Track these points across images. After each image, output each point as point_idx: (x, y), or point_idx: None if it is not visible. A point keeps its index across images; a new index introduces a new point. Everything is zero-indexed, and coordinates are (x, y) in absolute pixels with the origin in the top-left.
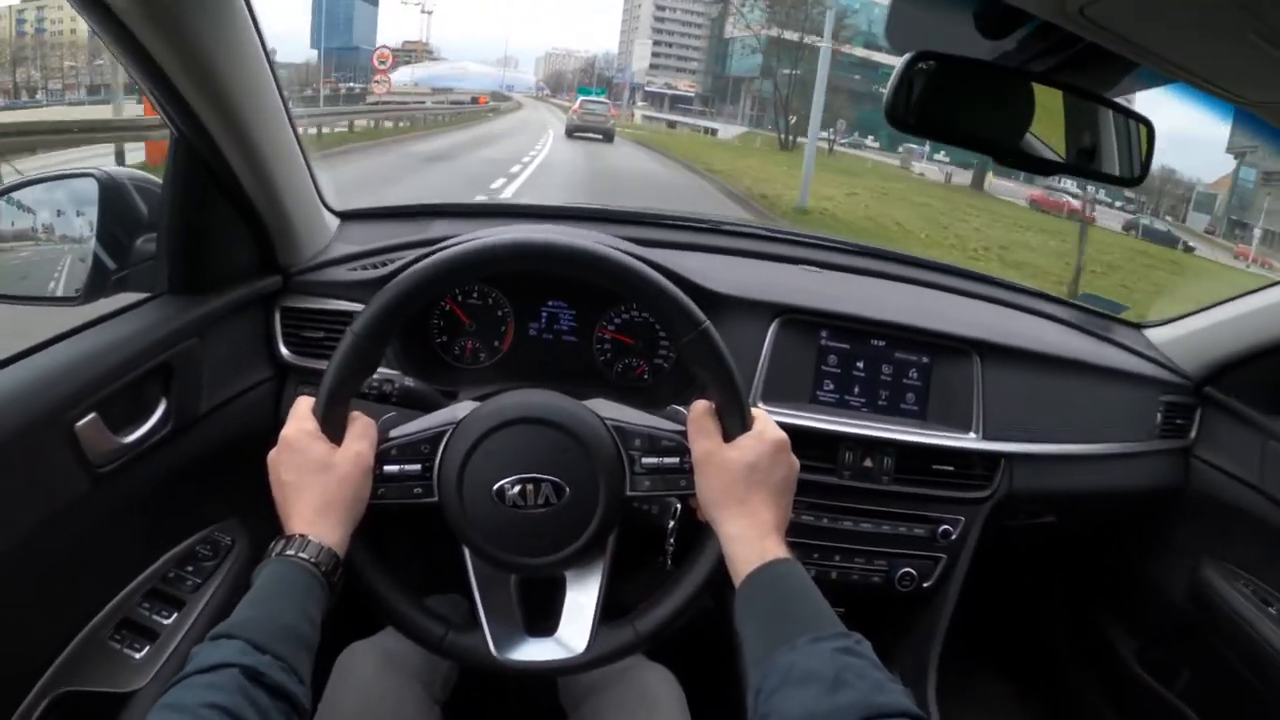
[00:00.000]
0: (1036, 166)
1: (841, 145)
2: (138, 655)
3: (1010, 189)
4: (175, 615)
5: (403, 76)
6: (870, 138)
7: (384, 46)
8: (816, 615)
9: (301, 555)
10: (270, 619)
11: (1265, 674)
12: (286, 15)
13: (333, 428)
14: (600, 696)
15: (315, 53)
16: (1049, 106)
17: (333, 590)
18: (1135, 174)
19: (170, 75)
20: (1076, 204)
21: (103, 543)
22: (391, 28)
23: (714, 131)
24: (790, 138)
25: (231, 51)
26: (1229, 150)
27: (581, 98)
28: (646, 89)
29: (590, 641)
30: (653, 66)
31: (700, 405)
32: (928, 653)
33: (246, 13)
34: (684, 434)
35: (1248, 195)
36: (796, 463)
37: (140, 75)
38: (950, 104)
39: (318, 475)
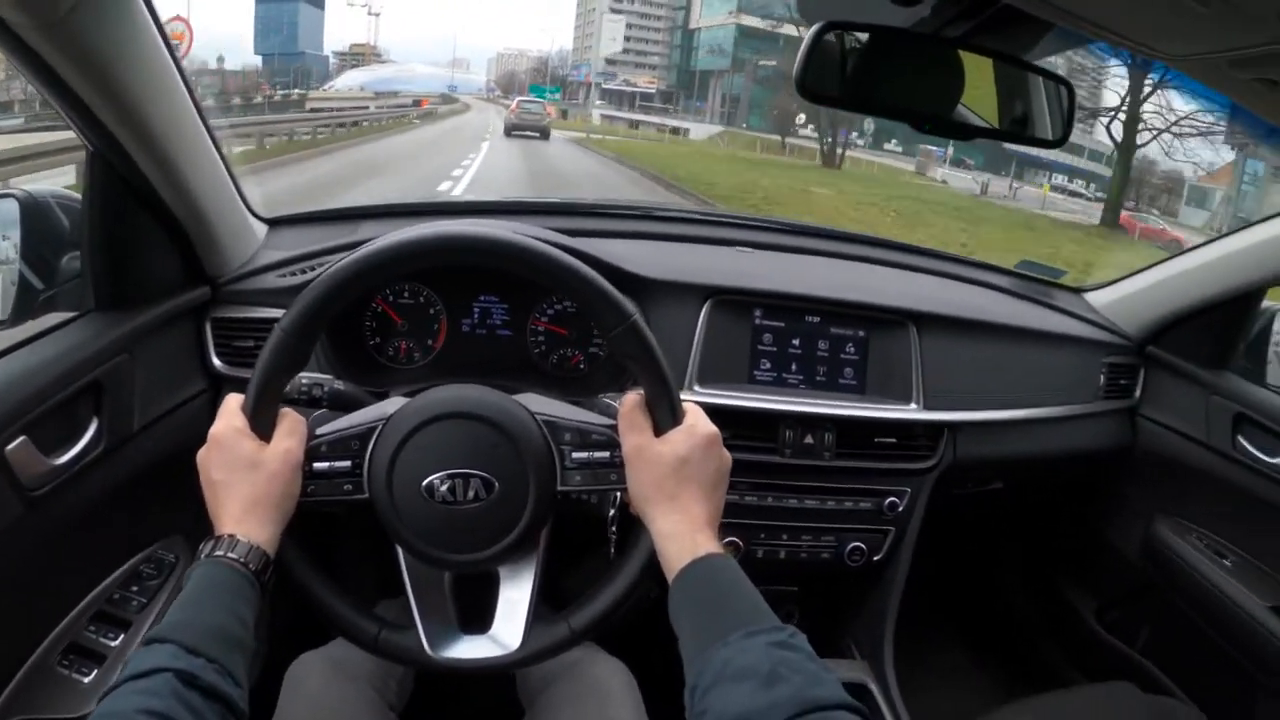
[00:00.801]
0: (965, 134)
1: (858, 149)
2: (86, 679)
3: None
4: (122, 636)
5: (349, 80)
6: (893, 140)
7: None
8: (750, 610)
9: (230, 555)
10: (201, 621)
11: (1222, 624)
12: (235, 20)
13: (262, 425)
14: (554, 689)
15: (259, 59)
16: (980, 74)
17: (264, 589)
18: (1060, 135)
19: (75, 89)
20: (1155, 226)
21: (43, 568)
22: (340, 31)
23: (684, 131)
24: (840, 151)
25: (136, 62)
26: (1227, 142)
27: (518, 98)
28: (605, 86)
29: (525, 638)
30: (609, 62)
31: (631, 399)
32: (883, 625)
33: (150, 22)
34: (615, 428)
35: (1256, 188)
36: (729, 456)
37: (46, 90)
38: (865, 74)
39: (246, 473)
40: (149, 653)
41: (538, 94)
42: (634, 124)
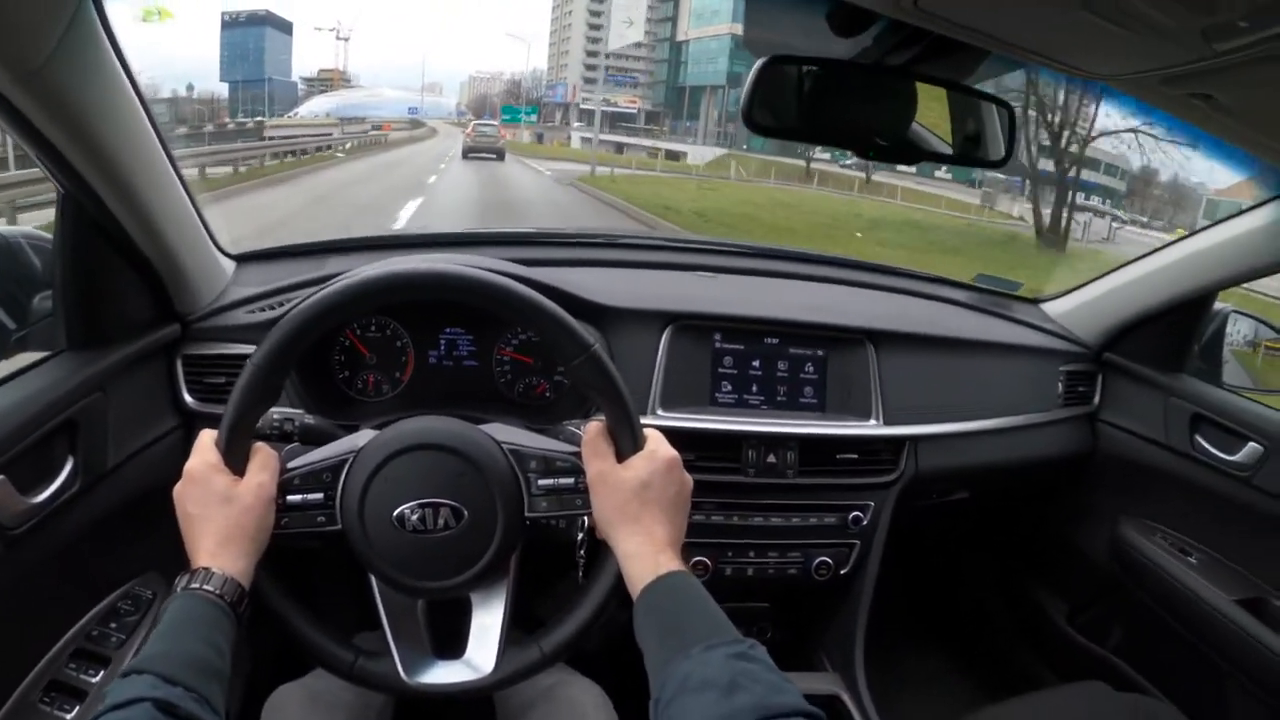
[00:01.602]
0: (912, 157)
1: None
2: (68, 716)
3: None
4: (103, 673)
5: (313, 107)
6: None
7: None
8: (711, 624)
9: (206, 588)
10: (178, 651)
11: (1190, 620)
12: (204, 45)
13: (235, 460)
14: (532, 713)
15: (225, 86)
16: (929, 99)
17: (239, 620)
18: (1003, 155)
19: (48, 136)
20: None
21: (22, 606)
22: (309, 57)
23: (681, 156)
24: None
25: (108, 109)
26: None
27: (474, 123)
28: (582, 107)
29: (498, 661)
30: (588, 82)
31: (594, 426)
32: (854, 637)
33: (121, 70)
34: (579, 455)
35: None
36: (689, 479)
37: (18, 135)
38: (813, 105)
39: (220, 507)
40: (128, 683)
41: (511, 116)
42: (619, 148)
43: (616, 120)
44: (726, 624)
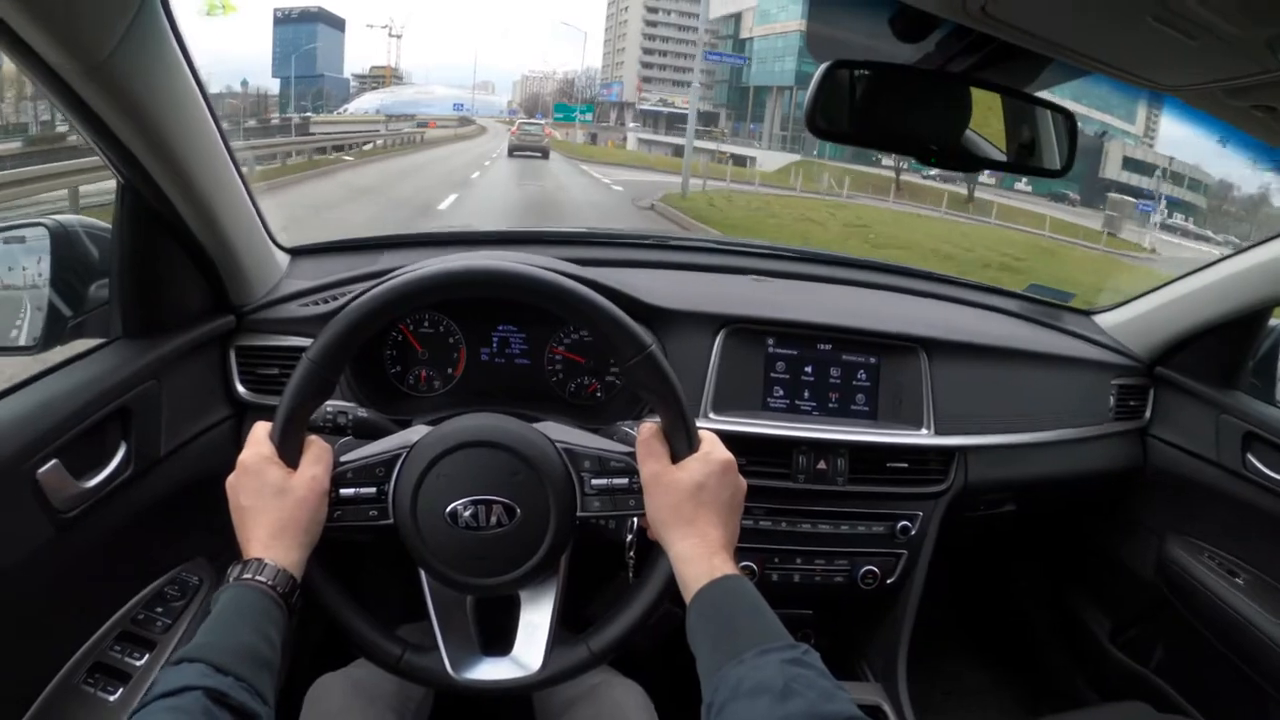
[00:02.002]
0: (974, 165)
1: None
2: (112, 698)
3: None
4: (147, 656)
5: (364, 103)
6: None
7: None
8: (765, 628)
9: (259, 579)
10: (230, 641)
11: (1236, 643)
12: (259, 42)
13: (289, 452)
14: (573, 713)
15: (277, 81)
16: (988, 105)
17: (291, 612)
18: (1063, 165)
19: (112, 127)
20: None
21: (71, 588)
22: (362, 54)
23: (750, 161)
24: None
25: (171, 101)
26: None
27: (519, 121)
28: (639, 107)
29: (545, 659)
30: (645, 80)
31: (648, 427)
32: (897, 648)
33: (183, 62)
34: (633, 455)
35: None
36: (744, 482)
37: (82, 127)
38: (875, 110)
39: (274, 499)
40: (179, 671)
41: (565, 114)
42: (678, 150)
43: (673, 121)
44: (780, 629)
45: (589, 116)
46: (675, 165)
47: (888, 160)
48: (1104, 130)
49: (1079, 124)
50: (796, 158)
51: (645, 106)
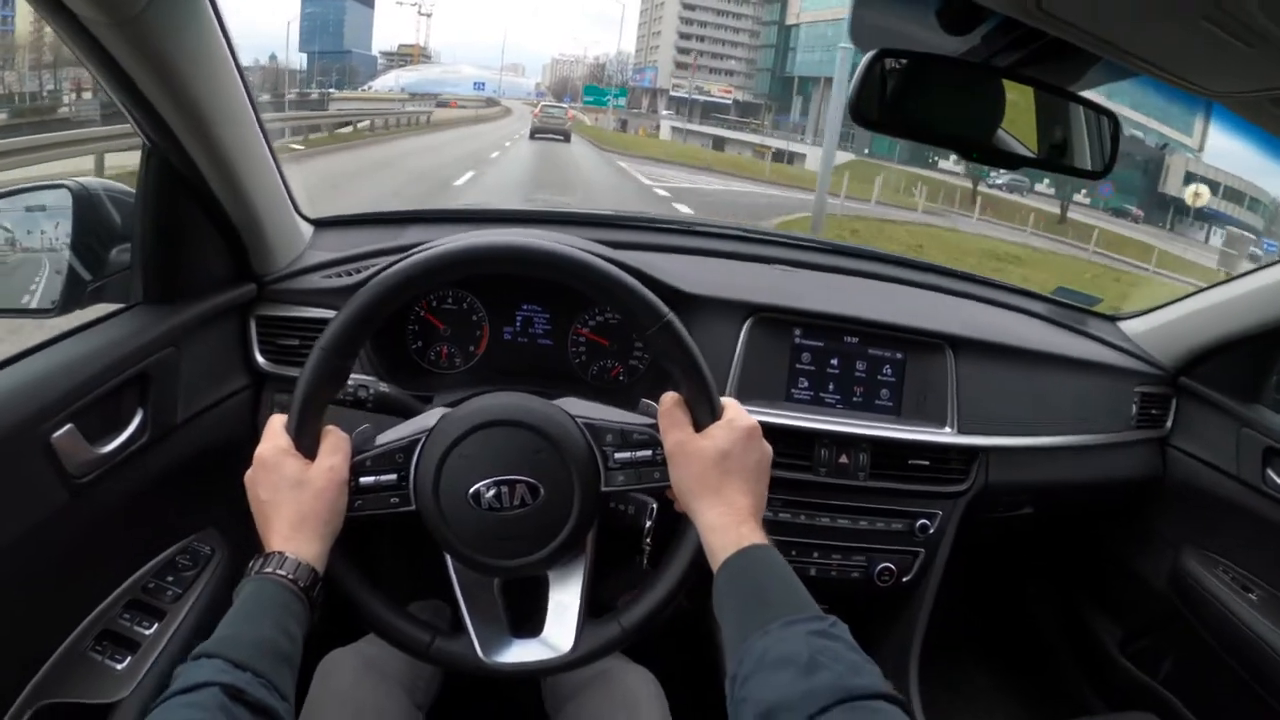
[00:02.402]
0: (1006, 161)
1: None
2: (119, 666)
3: None
4: (156, 625)
5: (389, 81)
6: (1081, 192)
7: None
8: (792, 599)
9: (279, 572)
10: (249, 636)
11: (1246, 658)
12: (284, 15)
13: (306, 443)
14: (582, 698)
15: (302, 56)
16: (1020, 102)
17: (313, 605)
18: (1102, 167)
19: (140, 86)
20: None
21: (82, 554)
22: (392, 31)
23: (797, 158)
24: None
25: (202, 62)
26: None
27: (542, 103)
28: (672, 94)
29: (576, 640)
30: (679, 66)
31: (670, 397)
32: (910, 646)
33: (216, 23)
34: (655, 427)
35: None
36: (769, 448)
37: (110, 85)
38: (916, 101)
39: (293, 492)
40: (197, 667)
41: (595, 98)
42: (717, 142)
43: (707, 110)
44: (808, 599)
45: (622, 101)
46: (723, 162)
47: (945, 161)
48: (1165, 143)
49: (1126, 129)
50: (849, 155)
51: (679, 93)
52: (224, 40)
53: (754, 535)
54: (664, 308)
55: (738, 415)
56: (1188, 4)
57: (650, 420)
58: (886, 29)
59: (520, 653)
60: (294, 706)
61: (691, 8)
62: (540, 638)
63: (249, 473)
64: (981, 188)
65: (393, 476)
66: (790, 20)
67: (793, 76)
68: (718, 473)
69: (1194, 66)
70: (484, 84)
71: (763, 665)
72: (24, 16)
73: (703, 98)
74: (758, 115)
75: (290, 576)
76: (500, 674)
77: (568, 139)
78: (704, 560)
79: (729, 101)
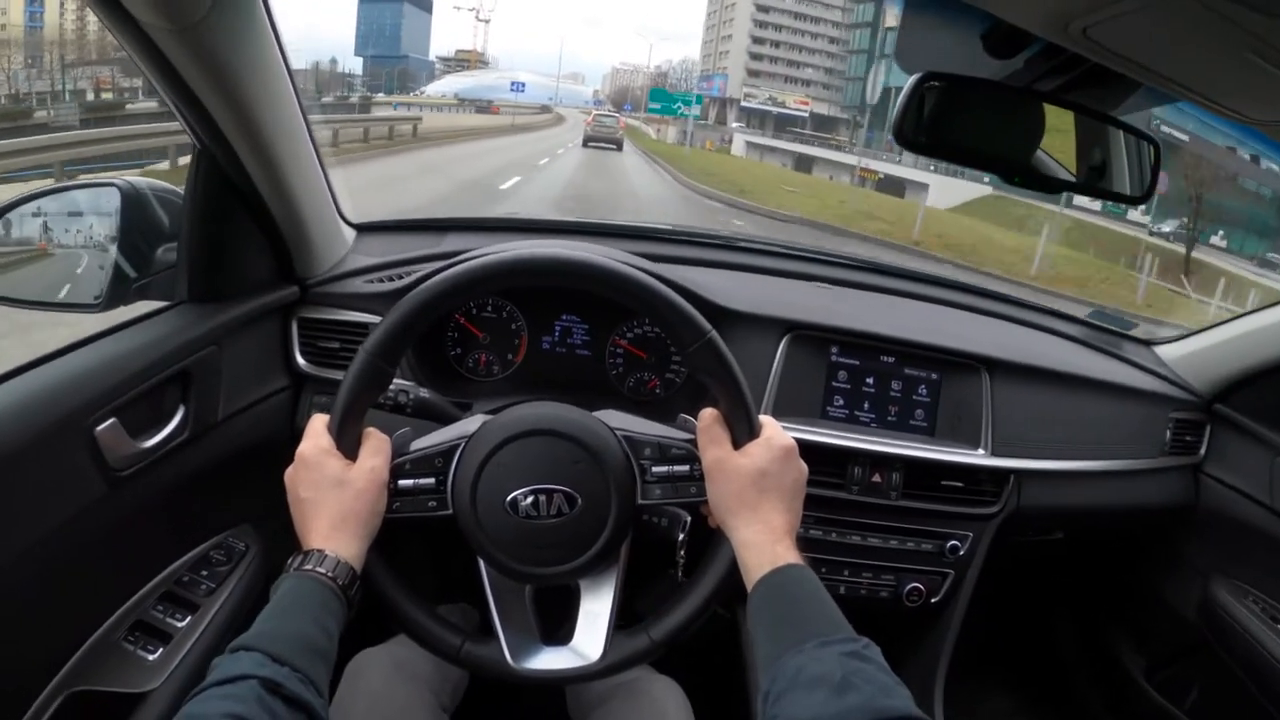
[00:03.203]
0: (1046, 185)
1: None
2: (151, 657)
3: None
4: (189, 618)
5: (443, 85)
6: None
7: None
8: (827, 619)
9: (319, 570)
10: (287, 631)
11: (1274, 691)
12: (347, 20)
13: (347, 444)
14: (608, 707)
15: (355, 60)
16: (1059, 125)
17: (350, 604)
18: (1142, 192)
19: (195, 89)
20: None
21: (119, 545)
22: (451, 37)
23: (915, 188)
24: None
25: (256, 69)
26: None
27: (595, 112)
28: (743, 104)
29: (606, 649)
30: (751, 74)
31: (709, 413)
32: (935, 668)
33: (270, 29)
34: (694, 442)
35: None
36: (805, 467)
37: (165, 88)
38: (959, 123)
39: (333, 491)
40: (235, 660)
41: (663, 105)
42: (803, 161)
43: (780, 123)
44: (842, 621)
45: (696, 110)
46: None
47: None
48: None
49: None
50: (985, 189)
51: (751, 104)
52: (278, 48)
53: (789, 554)
54: (706, 324)
55: (776, 434)
56: (1233, 38)
57: (689, 436)
58: (932, 52)
59: (549, 660)
60: (329, 703)
61: (765, 9)
62: (570, 646)
63: (290, 470)
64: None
65: (431, 480)
66: (888, 23)
67: (888, 87)
68: (755, 490)
69: (1236, 95)
70: (523, 85)
71: (796, 684)
72: (53, 11)
73: (776, 109)
74: (835, 130)
75: (330, 574)
76: (528, 680)
77: (620, 147)
78: (737, 576)
79: (805, 114)
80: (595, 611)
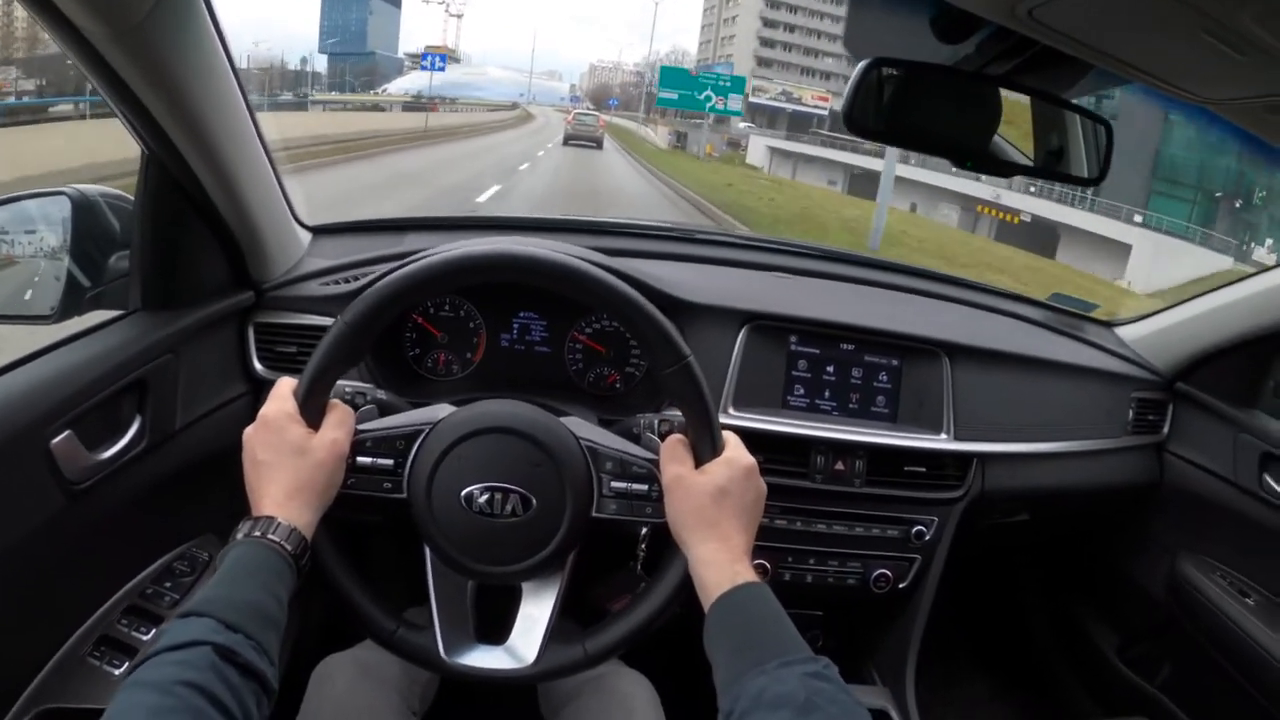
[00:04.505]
0: (1002, 169)
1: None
2: (117, 671)
3: None
4: (154, 631)
5: (405, 83)
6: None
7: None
8: (787, 639)
9: (271, 537)
10: (240, 597)
11: (1244, 664)
12: (312, 17)
13: (311, 412)
14: (577, 703)
15: (308, 57)
16: (1016, 109)
17: (300, 573)
18: (1096, 174)
19: (138, 94)
20: None
21: (80, 560)
22: (420, 32)
23: (1048, 227)
24: None
25: (199, 71)
26: None
27: (574, 110)
28: (752, 99)
29: (539, 654)
30: (762, 63)
31: (674, 436)
32: (906, 652)
33: (214, 32)
34: (656, 463)
35: None
36: (764, 486)
37: (109, 94)
38: (910, 109)
39: (292, 458)
40: (186, 625)
41: (685, 96)
42: (856, 181)
43: (795, 122)
44: (800, 640)
45: (736, 102)
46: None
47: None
48: None
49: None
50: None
51: (761, 100)
52: (222, 50)
53: (748, 573)
54: (684, 348)
55: (737, 453)
56: (1185, 18)
57: (651, 455)
58: (881, 37)
59: (481, 658)
60: (280, 675)
61: None
62: (503, 646)
63: (250, 430)
64: None
65: (390, 462)
66: None
67: None
68: (715, 508)
69: (1189, 76)
70: (522, 93)
71: (759, 704)
72: None
73: (791, 106)
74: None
75: (282, 542)
76: (456, 674)
77: (600, 145)
78: (681, 597)
79: (824, 111)
80: (534, 615)
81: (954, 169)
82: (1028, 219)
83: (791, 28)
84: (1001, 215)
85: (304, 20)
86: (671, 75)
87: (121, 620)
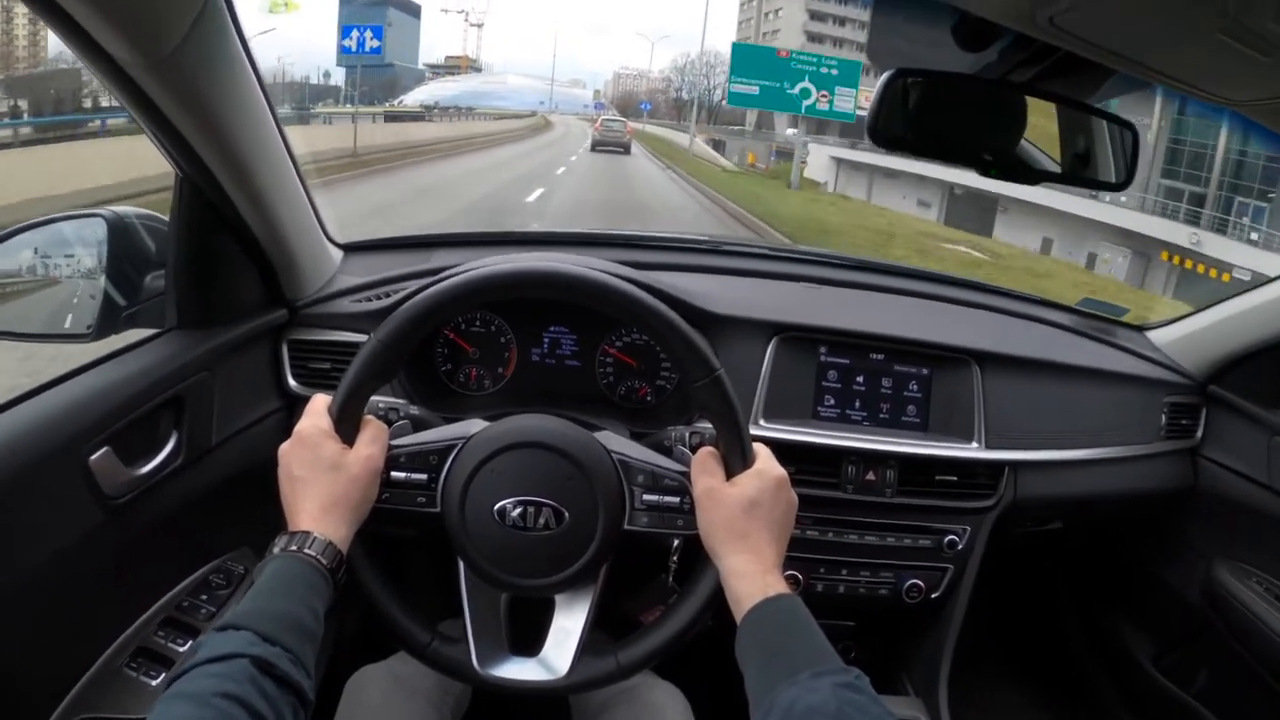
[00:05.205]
0: (1028, 177)
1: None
2: (154, 682)
3: None
4: (190, 643)
5: (421, 94)
6: None
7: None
8: (818, 650)
9: (307, 551)
10: (277, 610)
11: None
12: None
13: (346, 428)
14: (610, 714)
15: (330, 71)
16: (1042, 116)
17: (336, 587)
18: (1123, 178)
19: (172, 120)
20: None
21: (118, 573)
22: (443, 43)
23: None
24: None
25: (231, 95)
26: None
27: (602, 117)
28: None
29: (572, 666)
30: (812, 38)
31: (705, 449)
32: (939, 663)
33: (245, 56)
34: (687, 475)
35: None
36: (795, 498)
37: (145, 121)
38: (935, 118)
39: (327, 473)
40: (225, 638)
41: (766, 80)
42: (986, 213)
43: (845, 127)
44: (832, 652)
45: (848, 101)
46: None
47: None
48: None
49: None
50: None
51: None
52: (253, 75)
53: (779, 585)
54: (715, 362)
55: (768, 465)
56: (1203, 21)
57: (683, 468)
58: (904, 47)
59: (514, 669)
60: (315, 697)
61: None
62: (537, 658)
63: (285, 446)
64: None
65: (424, 476)
66: None
67: None
68: (745, 520)
69: (1210, 78)
70: (537, 98)
71: (791, 715)
72: None
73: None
74: None
75: (317, 556)
76: (490, 686)
77: (628, 150)
78: (714, 609)
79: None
80: (567, 628)
81: (1117, 198)
82: (1245, 275)
83: (841, 21)
84: (1189, 264)
85: (324, 34)
86: (749, 58)
87: (158, 632)
